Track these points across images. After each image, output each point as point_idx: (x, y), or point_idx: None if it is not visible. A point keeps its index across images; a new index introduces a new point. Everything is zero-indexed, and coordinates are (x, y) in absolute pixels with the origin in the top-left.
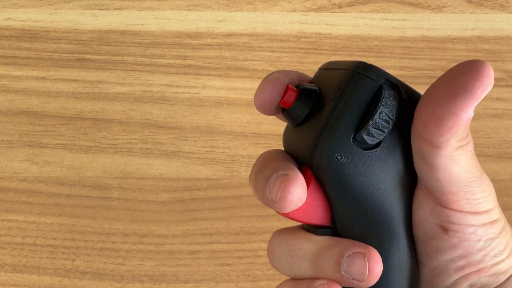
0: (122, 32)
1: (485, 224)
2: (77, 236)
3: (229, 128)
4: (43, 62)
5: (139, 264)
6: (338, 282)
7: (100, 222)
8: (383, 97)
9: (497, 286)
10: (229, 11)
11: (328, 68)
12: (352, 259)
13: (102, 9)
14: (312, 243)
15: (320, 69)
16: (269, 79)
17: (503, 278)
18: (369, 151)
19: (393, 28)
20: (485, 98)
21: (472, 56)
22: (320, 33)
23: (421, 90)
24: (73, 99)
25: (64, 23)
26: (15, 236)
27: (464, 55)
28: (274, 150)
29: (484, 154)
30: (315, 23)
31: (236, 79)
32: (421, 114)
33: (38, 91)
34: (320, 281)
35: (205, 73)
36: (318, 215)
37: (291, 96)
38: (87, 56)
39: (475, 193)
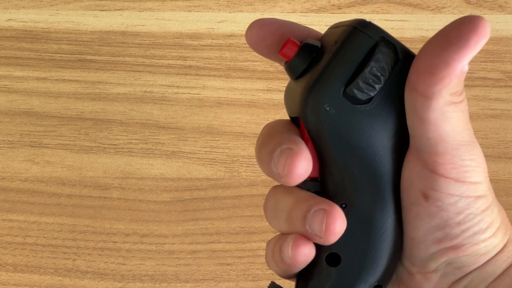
0: (123, 33)
1: (469, 196)
2: (78, 236)
3: (229, 129)
4: (44, 63)
5: (139, 264)
6: (306, 237)
7: (100, 222)
8: (376, 53)
9: (476, 268)
10: (229, 12)
11: (335, 27)
12: (314, 215)
13: (103, 10)
14: (292, 197)
15: (329, 28)
16: (261, 19)
17: (483, 259)
18: (359, 106)
19: (392, 28)
20: (484, 99)
21: None
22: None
23: None
24: (74, 99)
25: (65, 24)
26: (16, 236)
27: None
28: (277, 121)
29: (483, 154)
30: (314, 24)
31: (236, 80)
32: (415, 66)
33: (39, 91)
34: (290, 237)
35: (205, 74)
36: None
37: (291, 49)
38: (88, 57)
39: (464, 158)
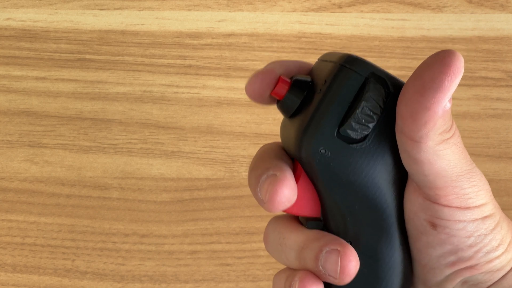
0: (122, 32)
1: (476, 219)
2: (77, 236)
3: (229, 128)
4: (43, 62)
5: (139, 264)
6: (318, 276)
7: (100, 222)
8: (366, 91)
9: (493, 283)
10: (229, 11)
11: (323, 60)
12: (328, 255)
13: (102, 9)
14: (300, 234)
15: (318, 59)
16: (260, 71)
17: (498, 275)
18: (355, 145)
19: (393, 28)
20: (485, 98)
21: (472, 56)
22: (320, 33)
23: None
24: (73, 99)
25: (64, 23)
26: (15, 236)
27: (464, 55)
28: (271, 144)
29: (484, 154)
30: (315, 23)
31: (236, 79)
32: (399, 110)
33: (38, 91)
34: (298, 275)
35: (205, 73)
36: (308, 207)
37: (283, 88)
38: (87, 56)
39: (464, 188)
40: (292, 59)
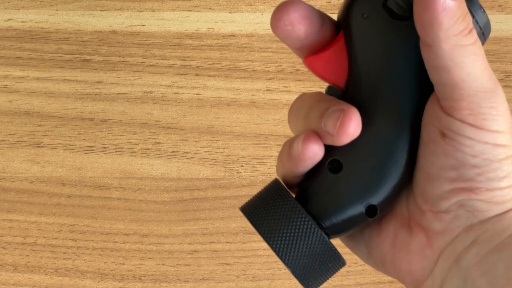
0: (123, 33)
1: (487, 142)
2: (78, 236)
3: (229, 129)
4: (44, 63)
5: (139, 264)
6: (318, 134)
7: (100, 222)
8: None
9: (490, 217)
10: (229, 12)
11: None
12: (331, 113)
13: (103, 10)
14: (316, 96)
15: None
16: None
17: (497, 209)
18: (397, 21)
19: None
20: None
21: None
22: None
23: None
24: (74, 99)
25: (65, 24)
26: (16, 236)
27: None
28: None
29: None
30: None
31: (236, 80)
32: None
33: (39, 91)
34: (303, 133)
35: (205, 74)
36: (335, 72)
37: None
38: (88, 57)
39: (482, 106)
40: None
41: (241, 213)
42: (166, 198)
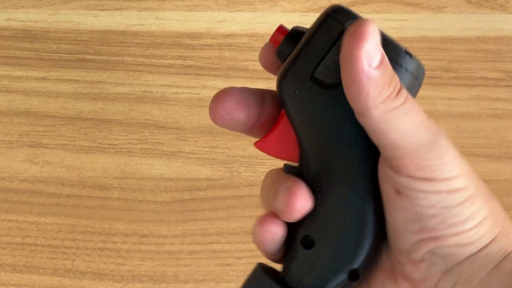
0: (122, 33)
1: (440, 192)
2: (77, 236)
3: None
4: (43, 63)
5: (139, 264)
6: (275, 214)
7: (100, 222)
8: (339, 39)
9: (465, 259)
10: (229, 12)
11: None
12: (279, 192)
13: (102, 10)
14: (272, 177)
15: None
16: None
17: (468, 251)
18: (327, 90)
19: (393, 28)
20: (485, 98)
21: (472, 56)
22: None
23: (421, 90)
24: (73, 99)
25: (64, 23)
26: (15, 236)
27: (464, 55)
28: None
29: (484, 154)
30: None
31: (236, 80)
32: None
33: (38, 91)
34: (262, 215)
35: (205, 74)
36: (286, 150)
37: (279, 36)
38: (87, 57)
39: (427, 159)
40: None
41: (241, 213)
42: (165, 198)
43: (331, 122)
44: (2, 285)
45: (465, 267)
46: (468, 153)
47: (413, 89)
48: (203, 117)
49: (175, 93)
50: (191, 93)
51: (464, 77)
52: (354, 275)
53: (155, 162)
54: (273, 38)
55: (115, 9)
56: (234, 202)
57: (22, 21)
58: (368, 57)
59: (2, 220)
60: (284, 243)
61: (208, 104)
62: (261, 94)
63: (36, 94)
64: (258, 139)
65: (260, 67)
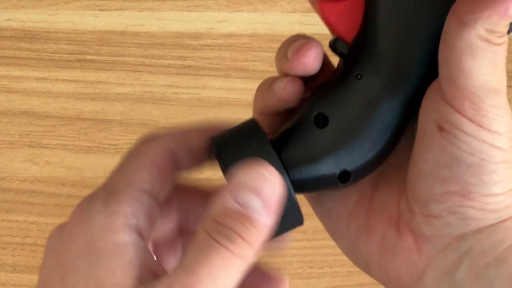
0: (123, 33)
1: (485, 141)
2: None
3: None
4: (44, 63)
5: None
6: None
7: None
8: None
9: (484, 227)
10: (229, 12)
11: None
12: (294, 41)
13: (103, 10)
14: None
15: None
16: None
17: (490, 218)
18: None
19: None
20: None
21: None
22: (320, 34)
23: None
24: (74, 99)
25: (64, 23)
26: (15, 236)
27: None
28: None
29: None
30: (315, 24)
31: (236, 80)
32: None
33: (39, 91)
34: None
35: (205, 74)
36: (347, 24)
37: None
38: (88, 57)
39: (484, 101)
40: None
41: None
42: None
43: (414, 15)
44: (2, 285)
45: (482, 236)
46: None
47: None
48: (203, 117)
49: (175, 93)
50: (191, 93)
51: None
52: (345, 177)
53: None
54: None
55: (115, 10)
56: None
57: (23, 22)
58: None
59: (3, 220)
60: (291, 113)
61: (208, 104)
62: None
63: (36, 94)
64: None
65: (260, 67)
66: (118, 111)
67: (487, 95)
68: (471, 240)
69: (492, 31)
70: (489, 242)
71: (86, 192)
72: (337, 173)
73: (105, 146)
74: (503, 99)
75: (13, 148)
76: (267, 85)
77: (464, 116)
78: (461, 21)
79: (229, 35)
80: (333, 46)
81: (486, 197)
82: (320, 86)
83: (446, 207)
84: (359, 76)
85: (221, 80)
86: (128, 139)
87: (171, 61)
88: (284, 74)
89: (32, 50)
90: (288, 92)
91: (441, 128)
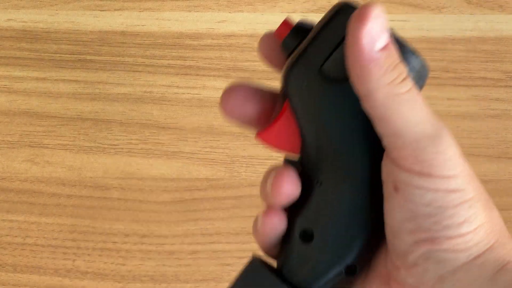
0: (123, 33)
1: (437, 190)
2: (77, 236)
3: (229, 129)
4: (44, 63)
5: (139, 264)
6: (276, 209)
7: (100, 222)
8: None
9: (459, 266)
10: (229, 12)
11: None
12: (270, 177)
13: (103, 10)
14: (269, 169)
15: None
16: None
17: (462, 257)
18: (335, 84)
19: (393, 28)
20: (484, 99)
21: (472, 56)
22: None
23: (421, 91)
24: (74, 99)
25: (64, 24)
26: (16, 236)
27: (463, 56)
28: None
29: (484, 154)
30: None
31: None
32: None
33: (39, 91)
34: (264, 209)
35: (205, 74)
36: (288, 141)
37: (285, 30)
38: (88, 57)
39: (426, 152)
40: None
41: (241, 213)
42: (166, 198)
43: (336, 116)
44: (3, 285)
45: (459, 276)
46: (467, 153)
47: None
48: (204, 118)
49: (175, 93)
50: (191, 94)
51: (463, 77)
52: (351, 270)
53: (156, 162)
54: (278, 30)
55: (115, 10)
56: (234, 202)
57: (23, 22)
58: (371, 38)
59: (3, 220)
60: (282, 238)
61: (208, 104)
62: (269, 89)
63: (36, 94)
64: (259, 131)
65: (260, 67)
66: (118, 111)
67: (426, 145)
68: (450, 282)
69: (389, 83)
70: (466, 281)
71: (86, 192)
72: (343, 271)
73: (105, 146)
74: (446, 141)
75: (13, 148)
76: (253, 225)
77: (411, 172)
78: (364, 95)
79: (229, 35)
80: (287, 162)
81: (453, 239)
82: (293, 204)
83: (421, 254)
84: (319, 184)
85: (221, 80)
86: (128, 139)
87: (171, 61)
88: (269, 206)
89: (32, 50)
90: (268, 228)
91: (396, 188)
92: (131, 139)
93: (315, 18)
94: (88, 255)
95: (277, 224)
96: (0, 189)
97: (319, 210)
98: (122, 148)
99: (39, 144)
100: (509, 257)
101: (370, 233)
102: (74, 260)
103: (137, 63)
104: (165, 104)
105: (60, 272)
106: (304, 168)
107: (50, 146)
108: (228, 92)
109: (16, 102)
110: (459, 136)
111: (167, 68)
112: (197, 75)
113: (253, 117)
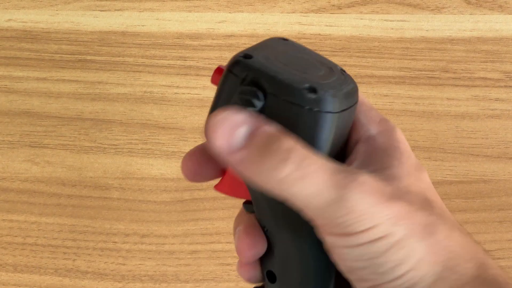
0: (123, 33)
1: (362, 244)
2: (78, 236)
3: None
4: (44, 63)
5: (139, 264)
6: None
7: (101, 222)
8: (237, 93)
9: None
10: (229, 12)
11: None
12: (235, 239)
13: (103, 10)
14: (236, 220)
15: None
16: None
17: None
18: None
19: (392, 29)
20: (484, 99)
21: (471, 57)
22: (319, 34)
23: (420, 91)
24: (74, 99)
25: (65, 24)
26: (16, 236)
27: (463, 56)
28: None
29: (483, 154)
30: (314, 24)
31: None
32: None
33: (39, 91)
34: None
35: (205, 74)
36: (239, 190)
37: (216, 77)
38: (88, 57)
39: (337, 217)
40: None
41: None
42: (166, 198)
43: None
44: (3, 285)
45: None
46: (467, 153)
47: (324, 123)
48: (203, 118)
49: (175, 93)
50: (191, 94)
51: (463, 77)
52: None
53: (156, 162)
54: (212, 79)
55: (115, 10)
56: (234, 202)
57: (23, 22)
58: (228, 148)
59: (3, 220)
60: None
61: (208, 104)
62: None
63: (37, 94)
64: (216, 184)
65: None
66: (119, 111)
67: (334, 210)
68: None
69: (272, 171)
70: None
71: (86, 191)
72: None
73: (106, 146)
74: (352, 200)
75: (13, 148)
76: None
77: (333, 235)
78: (259, 185)
79: (229, 36)
80: (246, 207)
81: (394, 281)
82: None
83: None
84: (266, 230)
85: None
86: (128, 139)
87: (171, 62)
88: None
89: (32, 50)
90: (245, 277)
91: (330, 250)
92: (131, 139)
93: (315, 18)
94: (88, 255)
95: (252, 273)
96: (0, 189)
97: (274, 254)
98: (122, 148)
99: (39, 144)
100: (465, 277)
101: (324, 272)
102: (74, 260)
103: (137, 63)
104: (165, 104)
105: (60, 272)
106: (255, 214)
107: (50, 146)
108: (186, 160)
109: (16, 102)
110: (459, 136)
111: (167, 68)
112: (197, 75)
113: (214, 175)
